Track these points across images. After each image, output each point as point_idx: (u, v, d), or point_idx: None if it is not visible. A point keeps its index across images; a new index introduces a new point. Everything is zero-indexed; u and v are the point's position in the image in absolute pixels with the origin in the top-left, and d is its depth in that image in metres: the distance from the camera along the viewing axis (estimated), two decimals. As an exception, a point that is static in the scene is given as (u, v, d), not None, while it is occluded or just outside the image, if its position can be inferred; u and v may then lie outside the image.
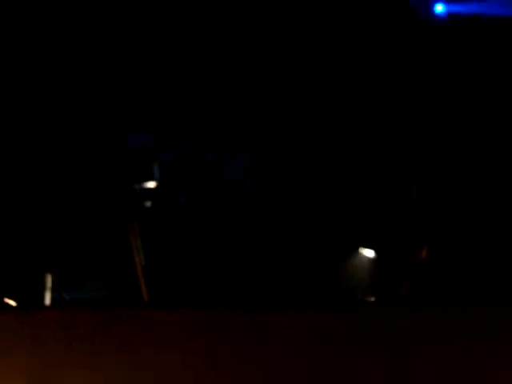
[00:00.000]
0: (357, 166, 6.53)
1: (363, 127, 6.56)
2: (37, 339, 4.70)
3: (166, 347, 4.65)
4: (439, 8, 6.75)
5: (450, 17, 6.75)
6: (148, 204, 6.55)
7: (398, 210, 6.33)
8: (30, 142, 6.41)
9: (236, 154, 6.75)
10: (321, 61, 6.66)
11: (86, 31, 6.59)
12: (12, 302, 5.69)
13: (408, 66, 6.62)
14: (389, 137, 6.52)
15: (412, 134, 6.53)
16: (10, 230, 6.12)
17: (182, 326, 4.72)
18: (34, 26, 6.48)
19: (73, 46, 6.58)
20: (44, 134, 6.46)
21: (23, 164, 6.38)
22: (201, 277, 6.19)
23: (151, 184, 6.63)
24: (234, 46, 6.67)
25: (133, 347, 4.65)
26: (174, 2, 6.66)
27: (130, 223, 6.26)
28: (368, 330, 4.66)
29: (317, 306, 5.06)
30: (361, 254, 6.20)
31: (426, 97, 6.57)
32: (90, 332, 4.72)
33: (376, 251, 6.19)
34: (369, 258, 6.18)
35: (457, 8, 6.80)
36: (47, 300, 5.86)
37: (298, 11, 6.62)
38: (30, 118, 6.49)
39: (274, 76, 6.68)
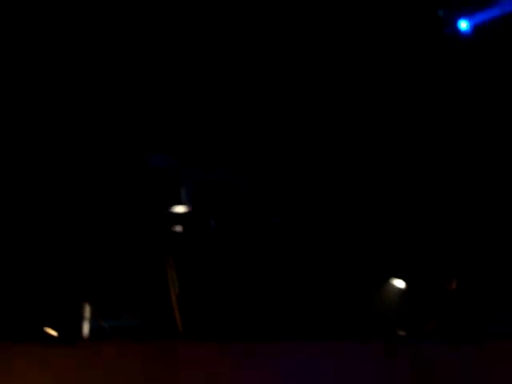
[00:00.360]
0: (391, 199, 6.63)
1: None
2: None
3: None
4: (463, 25, 6.71)
5: (475, 29, 6.72)
6: (180, 231, 6.65)
7: (430, 242, 6.41)
8: (69, 181, 6.57)
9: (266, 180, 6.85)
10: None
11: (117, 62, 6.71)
12: (53, 332, 5.87)
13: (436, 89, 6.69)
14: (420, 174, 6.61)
15: (443, 169, 6.62)
16: (53, 262, 6.30)
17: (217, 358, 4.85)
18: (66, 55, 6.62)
19: (102, 78, 6.71)
20: (83, 171, 6.62)
21: (64, 201, 6.55)
22: (232, 306, 6.30)
23: (182, 210, 6.71)
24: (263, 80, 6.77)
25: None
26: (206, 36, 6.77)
27: (165, 253, 6.38)
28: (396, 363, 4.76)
29: (345, 335, 5.15)
30: (392, 284, 6.28)
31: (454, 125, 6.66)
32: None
33: (407, 282, 6.27)
34: (399, 289, 6.27)
35: (480, 18, 6.75)
36: (85, 329, 6.02)
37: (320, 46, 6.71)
38: (72, 155, 6.66)
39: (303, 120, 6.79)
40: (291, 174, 6.82)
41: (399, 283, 6.28)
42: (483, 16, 6.65)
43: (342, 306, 6.21)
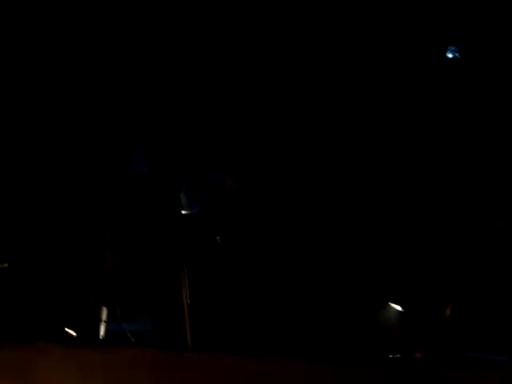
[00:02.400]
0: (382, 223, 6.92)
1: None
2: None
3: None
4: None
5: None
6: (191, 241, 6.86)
7: (426, 267, 6.73)
8: (85, 187, 6.85)
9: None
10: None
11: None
12: (73, 332, 6.22)
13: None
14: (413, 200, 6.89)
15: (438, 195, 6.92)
16: (72, 263, 6.62)
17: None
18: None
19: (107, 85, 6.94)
20: (99, 180, 6.91)
21: (82, 204, 6.83)
22: (236, 320, 6.59)
23: (194, 220, 6.94)
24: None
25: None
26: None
27: (180, 261, 6.65)
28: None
29: (338, 359, 5.36)
30: (389, 308, 6.61)
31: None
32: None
33: (403, 307, 6.59)
34: (396, 314, 6.59)
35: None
36: (102, 332, 6.36)
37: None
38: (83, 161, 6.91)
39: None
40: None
41: (397, 307, 6.61)
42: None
43: (339, 328, 6.52)
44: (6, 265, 6.39)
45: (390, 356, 6.23)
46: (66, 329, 6.27)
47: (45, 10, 6.86)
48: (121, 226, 6.76)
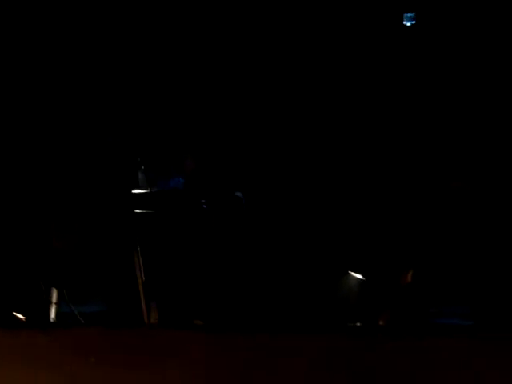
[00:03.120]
0: (347, 191, 6.83)
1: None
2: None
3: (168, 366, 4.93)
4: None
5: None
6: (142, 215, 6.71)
7: (385, 234, 6.63)
8: (41, 159, 6.66)
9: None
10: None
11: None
12: (21, 316, 6.00)
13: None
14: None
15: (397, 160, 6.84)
16: (19, 245, 6.40)
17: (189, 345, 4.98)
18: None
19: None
20: (51, 151, 6.71)
21: (33, 179, 6.63)
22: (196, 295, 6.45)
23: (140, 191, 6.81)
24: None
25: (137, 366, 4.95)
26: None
27: (132, 239, 6.48)
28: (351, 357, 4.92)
29: (300, 328, 5.27)
30: (350, 277, 6.50)
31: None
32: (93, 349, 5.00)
33: (363, 275, 6.50)
34: (357, 282, 6.49)
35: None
36: (52, 314, 6.16)
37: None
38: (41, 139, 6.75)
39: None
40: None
41: (357, 275, 6.50)
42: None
43: (299, 298, 6.41)
44: None
45: (352, 324, 6.12)
46: (15, 313, 6.03)
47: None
48: (68, 205, 6.56)
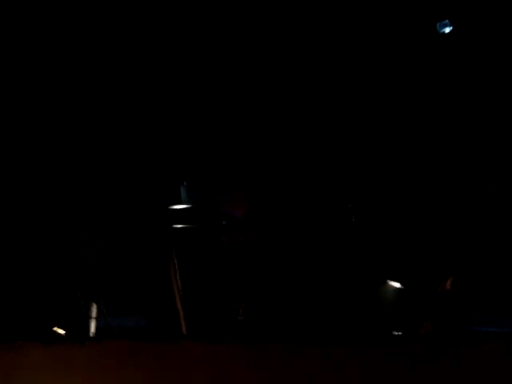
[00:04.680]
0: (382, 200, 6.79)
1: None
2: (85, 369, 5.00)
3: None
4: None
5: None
6: (182, 230, 6.72)
7: (424, 243, 6.57)
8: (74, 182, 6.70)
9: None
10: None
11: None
12: (61, 331, 6.03)
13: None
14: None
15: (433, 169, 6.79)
16: (58, 259, 6.44)
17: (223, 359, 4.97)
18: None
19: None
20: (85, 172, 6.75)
21: (66, 200, 6.67)
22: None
23: (182, 207, 6.81)
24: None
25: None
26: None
27: (169, 254, 6.50)
28: (389, 366, 4.87)
29: (341, 339, 5.23)
30: (389, 286, 6.44)
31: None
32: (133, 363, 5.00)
33: (402, 284, 6.44)
34: (396, 291, 6.43)
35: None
36: (92, 328, 6.18)
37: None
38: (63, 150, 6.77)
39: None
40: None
41: (395, 284, 6.45)
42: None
43: (338, 308, 6.36)
44: None
45: (393, 334, 6.06)
46: (55, 328, 6.07)
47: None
48: (104, 219, 6.59)
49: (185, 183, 7.17)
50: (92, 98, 6.85)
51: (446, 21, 6.85)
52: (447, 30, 6.83)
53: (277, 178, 7.02)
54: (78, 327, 6.15)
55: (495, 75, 6.79)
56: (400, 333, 6.09)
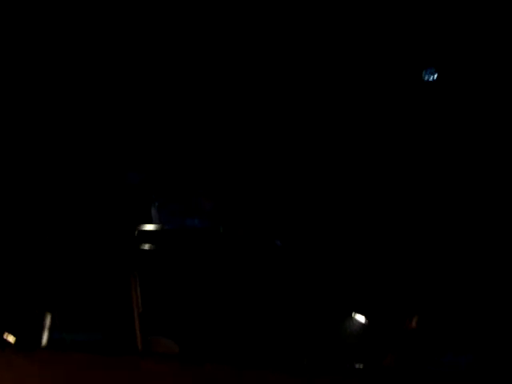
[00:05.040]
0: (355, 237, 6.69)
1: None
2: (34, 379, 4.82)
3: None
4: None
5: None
6: (147, 250, 6.59)
7: (390, 277, 6.47)
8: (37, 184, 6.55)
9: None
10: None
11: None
12: (11, 338, 5.82)
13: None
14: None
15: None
16: (13, 267, 6.25)
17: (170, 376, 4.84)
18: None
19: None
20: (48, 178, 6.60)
21: (28, 204, 6.52)
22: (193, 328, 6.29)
23: (150, 228, 6.68)
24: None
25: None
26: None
27: (130, 269, 6.35)
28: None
29: (302, 369, 5.12)
30: (353, 319, 6.32)
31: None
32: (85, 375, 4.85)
33: (367, 317, 6.31)
34: (360, 324, 6.30)
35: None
36: (45, 339, 5.97)
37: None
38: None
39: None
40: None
41: (360, 318, 6.32)
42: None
43: (301, 338, 6.23)
44: None
45: (355, 366, 5.93)
46: (5, 334, 5.85)
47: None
48: (64, 228, 6.44)
49: (156, 203, 7.09)
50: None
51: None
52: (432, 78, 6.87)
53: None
54: (29, 336, 5.94)
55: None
56: (362, 365, 5.96)
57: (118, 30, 6.65)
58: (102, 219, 6.63)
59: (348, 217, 6.71)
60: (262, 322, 6.27)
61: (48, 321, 6.04)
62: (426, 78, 6.87)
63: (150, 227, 6.64)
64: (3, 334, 5.86)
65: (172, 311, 6.38)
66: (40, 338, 5.95)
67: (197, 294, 6.43)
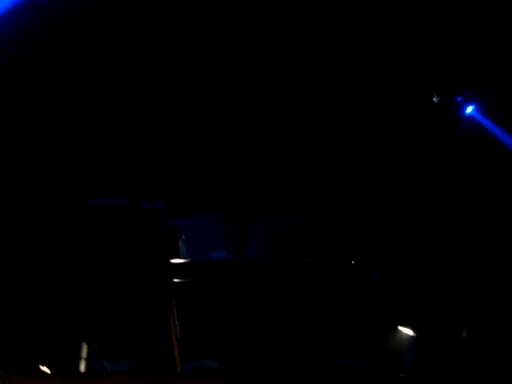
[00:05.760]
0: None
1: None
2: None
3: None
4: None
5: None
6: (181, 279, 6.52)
7: (438, 290, 6.26)
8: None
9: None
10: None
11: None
12: (47, 370, 5.64)
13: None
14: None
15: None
16: (50, 297, 6.12)
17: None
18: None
19: None
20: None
21: (66, 240, 6.42)
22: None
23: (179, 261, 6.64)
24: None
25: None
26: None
27: (167, 297, 6.23)
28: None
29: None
30: (400, 332, 6.09)
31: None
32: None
33: (415, 330, 6.09)
34: (408, 337, 6.08)
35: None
36: (82, 369, 5.80)
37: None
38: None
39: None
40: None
41: (407, 331, 6.09)
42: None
43: (347, 352, 6.04)
44: None
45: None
46: (40, 366, 5.68)
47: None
48: (101, 258, 6.32)
49: (183, 237, 7.12)
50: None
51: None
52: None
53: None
54: (68, 365, 5.77)
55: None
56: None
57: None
58: (136, 253, 6.52)
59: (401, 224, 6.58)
60: (305, 339, 6.11)
61: (85, 350, 5.88)
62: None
63: (179, 260, 6.63)
64: (41, 363, 5.70)
65: (208, 336, 6.23)
66: (78, 366, 5.79)
67: (229, 319, 6.32)
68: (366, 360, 5.91)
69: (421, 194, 6.84)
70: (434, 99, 6.88)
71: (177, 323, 6.17)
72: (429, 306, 6.15)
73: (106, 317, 6.15)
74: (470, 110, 7.00)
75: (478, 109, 7.01)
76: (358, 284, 6.28)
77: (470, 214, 6.62)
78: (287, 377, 5.30)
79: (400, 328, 6.10)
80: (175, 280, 6.42)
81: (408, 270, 6.33)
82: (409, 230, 6.58)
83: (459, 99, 6.97)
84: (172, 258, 6.55)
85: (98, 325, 6.07)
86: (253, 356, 6.09)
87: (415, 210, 6.77)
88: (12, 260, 6.20)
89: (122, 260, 6.37)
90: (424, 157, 6.83)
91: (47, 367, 5.62)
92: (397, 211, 6.79)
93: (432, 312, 6.11)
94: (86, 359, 5.80)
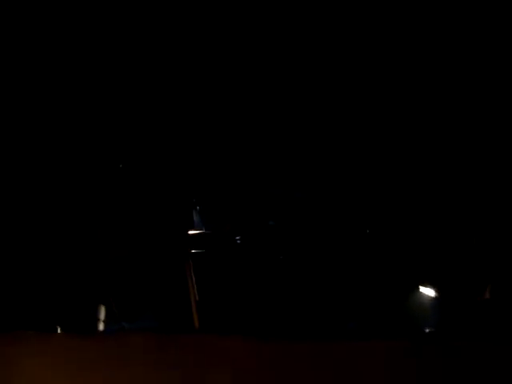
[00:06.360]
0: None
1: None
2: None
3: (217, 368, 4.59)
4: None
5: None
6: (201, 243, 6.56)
7: (461, 249, 6.18)
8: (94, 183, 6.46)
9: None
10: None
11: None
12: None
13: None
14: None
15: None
16: (73, 259, 6.12)
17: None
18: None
19: None
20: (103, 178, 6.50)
21: (86, 200, 6.41)
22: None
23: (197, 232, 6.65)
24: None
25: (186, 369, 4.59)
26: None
27: (186, 260, 6.22)
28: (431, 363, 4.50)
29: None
30: (421, 292, 6.03)
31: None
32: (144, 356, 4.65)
33: (437, 290, 6.02)
34: (430, 297, 6.01)
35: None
36: (101, 328, 5.80)
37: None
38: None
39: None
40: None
41: (429, 291, 6.03)
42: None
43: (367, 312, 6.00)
44: None
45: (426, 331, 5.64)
46: (58, 328, 5.66)
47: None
48: (119, 220, 6.30)
49: (198, 208, 7.07)
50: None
51: None
52: None
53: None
54: (87, 325, 5.76)
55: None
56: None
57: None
58: (155, 219, 6.51)
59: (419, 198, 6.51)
60: (327, 297, 6.08)
61: (103, 312, 5.87)
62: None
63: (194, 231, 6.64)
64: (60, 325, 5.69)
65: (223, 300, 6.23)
66: (96, 327, 5.78)
67: (243, 284, 6.34)
68: (388, 321, 5.88)
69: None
70: None
71: (195, 285, 6.16)
72: (451, 266, 6.08)
73: (125, 279, 6.15)
74: None
75: None
76: (378, 245, 6.24)
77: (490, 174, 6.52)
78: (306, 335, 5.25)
79: (422, 289, 6.03)
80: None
81: (429, 231, 6.25)
82: (429, 192, 6.48)
83: None
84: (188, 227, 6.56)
85: (118, 286, 6.07)
86: (267, 317, 6.08)
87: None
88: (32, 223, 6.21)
89: (142, 223, 6.39)
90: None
91: (65, 329, 5.62)
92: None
93: (455, 273, 6.04)
94: (104, 321, 5.80)
